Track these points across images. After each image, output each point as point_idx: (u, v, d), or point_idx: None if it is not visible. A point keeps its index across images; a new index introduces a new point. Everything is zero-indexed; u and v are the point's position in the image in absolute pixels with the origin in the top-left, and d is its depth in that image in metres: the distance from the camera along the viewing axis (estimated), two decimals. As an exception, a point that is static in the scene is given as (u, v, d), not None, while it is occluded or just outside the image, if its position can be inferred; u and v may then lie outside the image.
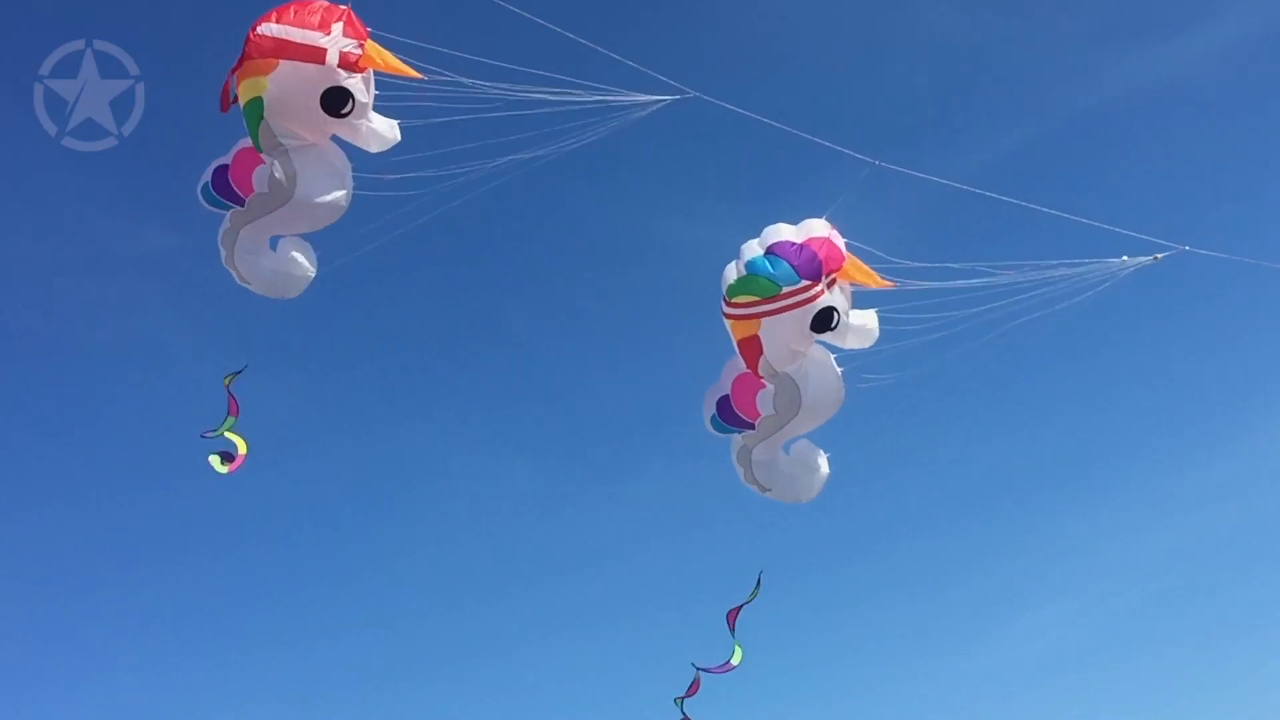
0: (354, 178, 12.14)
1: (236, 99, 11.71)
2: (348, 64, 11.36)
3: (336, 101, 11.51)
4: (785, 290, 11.93)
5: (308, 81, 11.40)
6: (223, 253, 12.35)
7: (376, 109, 11.97)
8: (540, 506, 34.92)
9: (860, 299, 12.37)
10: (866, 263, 12.11)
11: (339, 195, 12.03)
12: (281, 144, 11.68)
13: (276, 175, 11.74)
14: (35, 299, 31.38)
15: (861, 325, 12.37)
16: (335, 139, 12.06)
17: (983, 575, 34.24)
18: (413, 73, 11.62)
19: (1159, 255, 11.63)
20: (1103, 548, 33.52)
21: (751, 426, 12.69)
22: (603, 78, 11.34)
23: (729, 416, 12.84)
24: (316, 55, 11.26)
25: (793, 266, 11.95)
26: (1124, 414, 35.15)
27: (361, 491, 34.81)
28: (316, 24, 11.36)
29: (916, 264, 11.45)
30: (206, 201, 12.28)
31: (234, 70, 11.58)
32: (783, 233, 12.20)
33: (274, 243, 12.44)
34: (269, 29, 11.31)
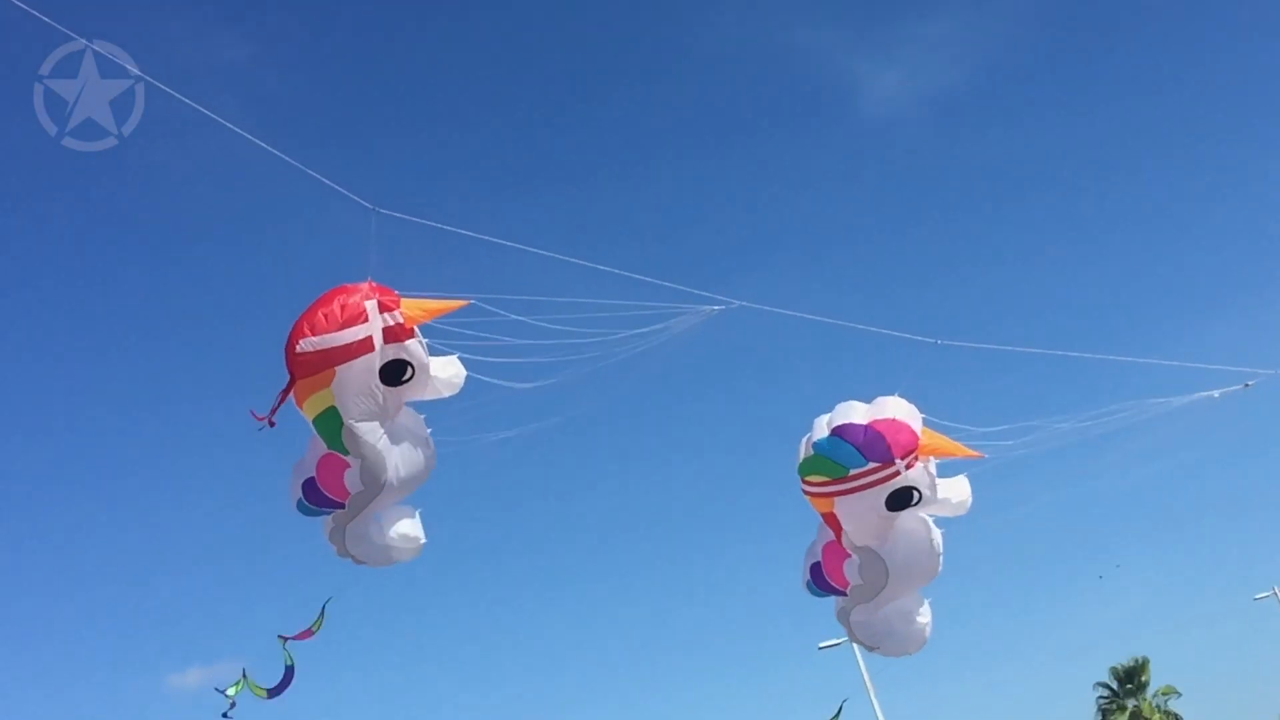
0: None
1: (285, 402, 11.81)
2: (395, 338, 11.62)
3: (396, 374, 11.75)
4: (853, 472, 11.83)
5: (366, 372, 11.60)
6: (334, 548, 12.58)
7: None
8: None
9: (947, 467, 12.18)
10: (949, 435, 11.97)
11: (427, 461, 12.26)
12: (366, 440, 11.79)
13: (370, 471, 11.90)
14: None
15: (951, 497, 12.22)
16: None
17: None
18: (458, 303, 11.85)
19: (1250, 382, 11.42)
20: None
21: (844, 594, 12.57)
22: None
23: (822, 583, 12.79)
24: (365, 348, 11.47)
25: (856, 449, 11.82)
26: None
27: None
28: (349, 317, 11.47)
29: (997, 428, 11.30)
30: (304, 514, 12.47)
31: (287, 390, 11.72)
32: (852, 413, 12.09)
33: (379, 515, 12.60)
34: (308, 344, 11.43)
